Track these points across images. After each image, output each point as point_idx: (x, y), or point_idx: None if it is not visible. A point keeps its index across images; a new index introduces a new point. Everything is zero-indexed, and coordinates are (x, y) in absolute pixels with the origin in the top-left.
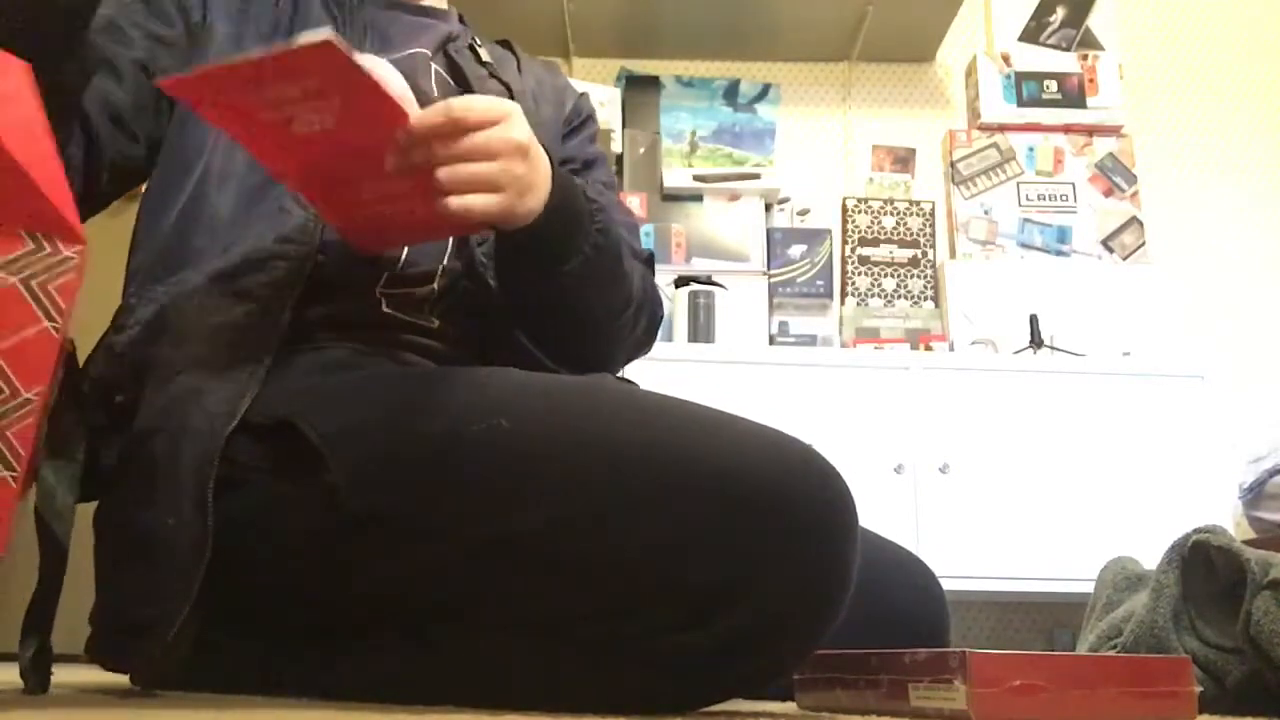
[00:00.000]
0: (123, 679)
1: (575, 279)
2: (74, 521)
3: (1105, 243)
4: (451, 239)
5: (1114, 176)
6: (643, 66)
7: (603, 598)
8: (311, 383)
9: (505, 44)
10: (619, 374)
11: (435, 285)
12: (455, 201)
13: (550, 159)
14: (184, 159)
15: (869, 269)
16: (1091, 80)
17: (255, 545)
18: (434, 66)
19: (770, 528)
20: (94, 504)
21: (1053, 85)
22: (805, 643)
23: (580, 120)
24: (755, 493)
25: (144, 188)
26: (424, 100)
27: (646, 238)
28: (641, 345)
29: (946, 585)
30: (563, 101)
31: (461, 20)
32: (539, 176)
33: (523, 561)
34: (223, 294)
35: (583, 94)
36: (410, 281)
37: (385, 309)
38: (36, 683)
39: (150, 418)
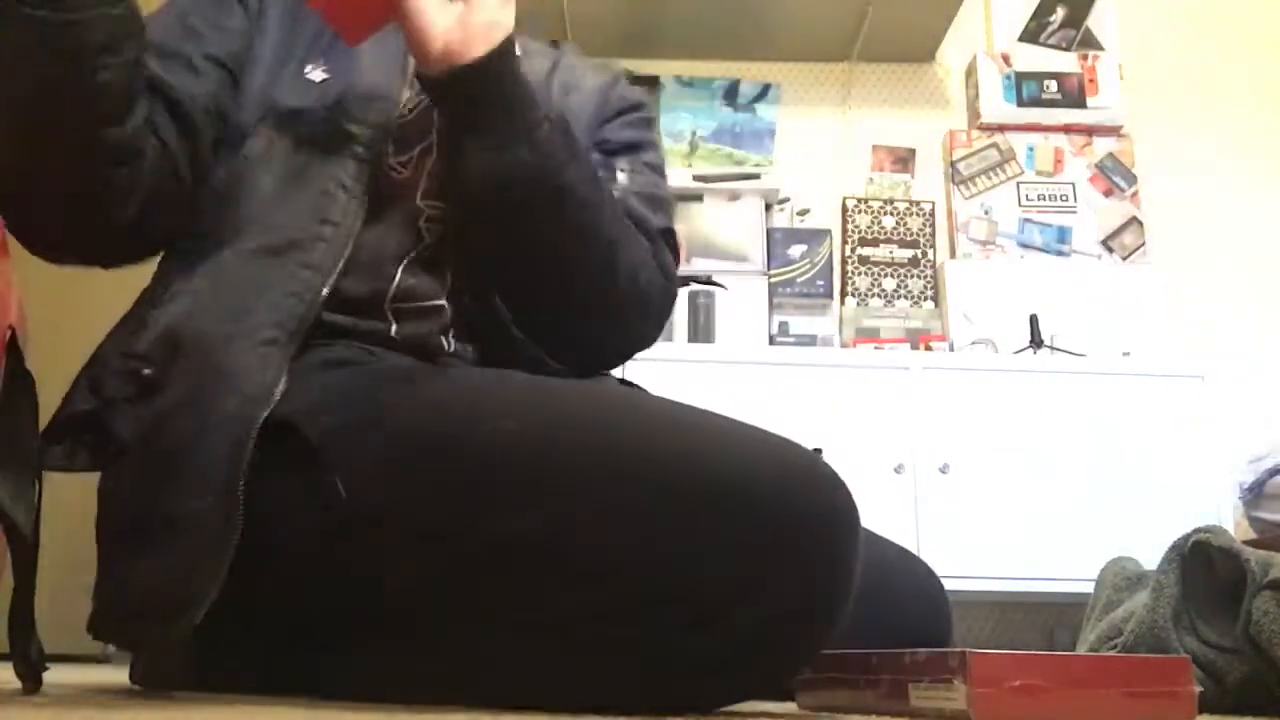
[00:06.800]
0: (123, 679)
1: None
2: (37, 515)
3: (1105, 243)
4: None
5: (1114, 176)
6: (643, 66)
7: (602, 601)
8: (314, 379)
9: (554, 44)
10: (622, 369)
11: (444, 301)
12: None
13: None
14: (226, 145)
15: (869, 269)
16: (1091, 80)
17: (255, 543)
18: None
19: (772, 533)
20: (79, 501)
21: (1053, 85)
22: (806, 648)
23: (624, 106)
24: (758, 498)
25: None
26: None
27: None
28: (641, 319)
29: (946, 585)
30: (606, 99)
31: None
32: (487, 31)
33: (523, 564)
34: (263, 271)
35: (632, 85)
36: (416, 295)
37: (393, 333)
38: (30, 681)
39: (179, 394)
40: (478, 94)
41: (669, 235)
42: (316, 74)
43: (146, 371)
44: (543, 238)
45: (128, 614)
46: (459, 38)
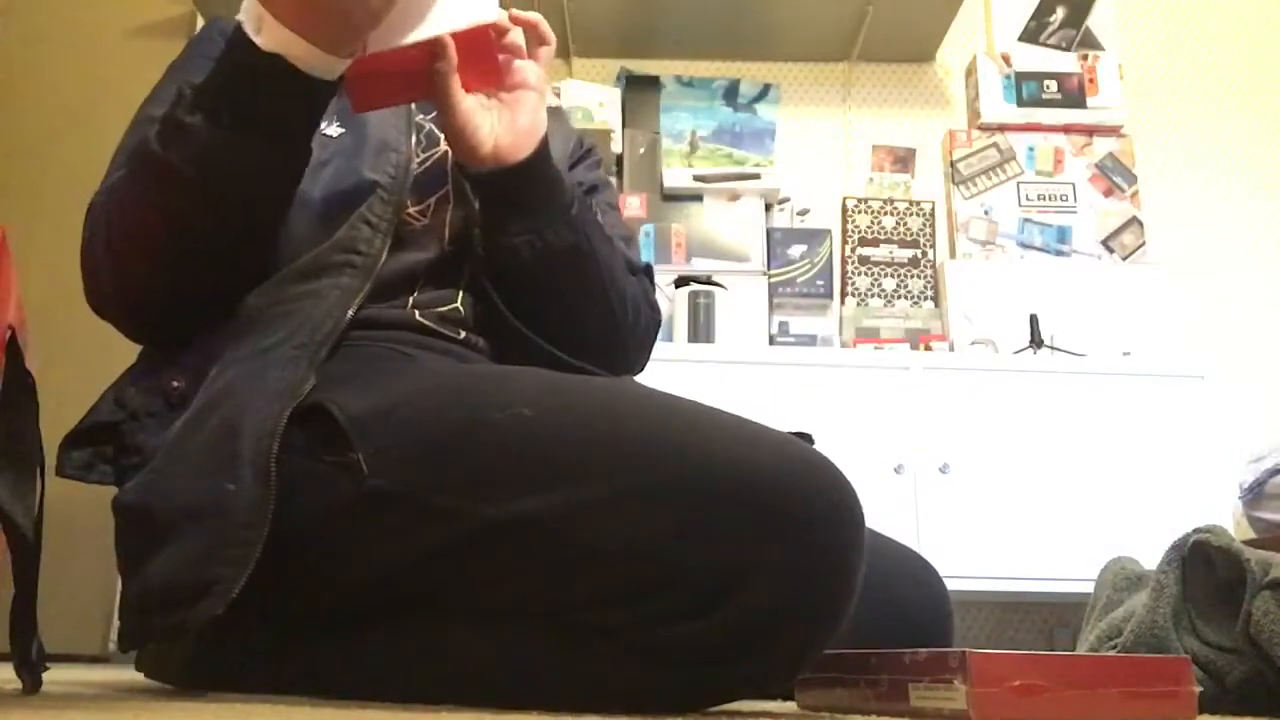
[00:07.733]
0: (123, 678)
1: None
2: (39, 515)
3: (1105, 243)
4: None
5: (1114, 176)
6: (643, 66)
7: (605, 584)
8: (344, 369)
9: None
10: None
11: (459, 305)
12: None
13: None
14: None
15: (869, 269)
16: (1091, 80)
17: (272, 528)
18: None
19: (774, 524)
20: (82, 502)
21: (1053, 85)
22: (807, 644)
23: (583, 152)
24: (762, 488)
25: None
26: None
27: (646, 238)
28: (636, 348)
29: (946, 585)
30: (568, 145)
31: None
32: (531, 133)
33: (532, 547)
34: (295, 295)
35: (583, 132)
36: (436, 302)
37: (418, 318)
38: (30, 682)
39: (209, 398)
40: (524, 187)
41: (649, 271)
42: (332, 130)
43: (176, 384)
44: (567, 290)
45: (151, 611)
46: (509, 143)
